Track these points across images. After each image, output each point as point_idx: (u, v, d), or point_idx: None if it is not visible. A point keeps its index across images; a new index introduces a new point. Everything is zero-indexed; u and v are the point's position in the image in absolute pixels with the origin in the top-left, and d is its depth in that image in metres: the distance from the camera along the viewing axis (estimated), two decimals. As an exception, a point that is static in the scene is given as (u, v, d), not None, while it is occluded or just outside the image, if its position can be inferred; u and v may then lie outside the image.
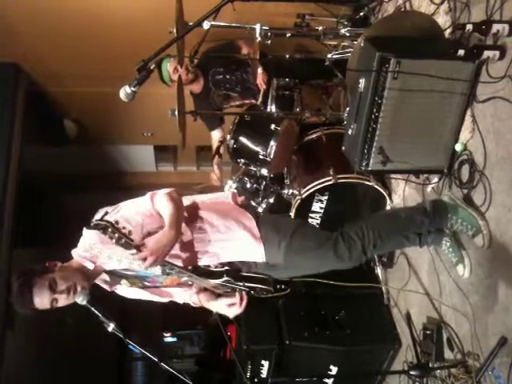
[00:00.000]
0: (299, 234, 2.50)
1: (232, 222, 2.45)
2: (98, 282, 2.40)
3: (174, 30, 3.24)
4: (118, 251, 2.20)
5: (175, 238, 2.18)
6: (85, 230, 2.30)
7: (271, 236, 2.45)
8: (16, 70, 4.80)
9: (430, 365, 3.21)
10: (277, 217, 2.68)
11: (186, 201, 2.49)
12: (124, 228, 2.06)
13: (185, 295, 2.58)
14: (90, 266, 2.29)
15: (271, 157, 3.58)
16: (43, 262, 2.26)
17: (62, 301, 2.22)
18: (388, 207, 3.76)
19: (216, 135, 4.30)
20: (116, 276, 2.39)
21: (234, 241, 2.43)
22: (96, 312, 2.18)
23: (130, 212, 2.29)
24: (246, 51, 3.97)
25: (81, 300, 2.19)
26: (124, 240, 2.03)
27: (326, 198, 3.73)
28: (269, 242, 2.44)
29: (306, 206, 3.77)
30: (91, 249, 2.27)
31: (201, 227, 2.41)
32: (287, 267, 2.56)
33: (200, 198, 2.58)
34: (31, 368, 5.27)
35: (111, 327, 2.17)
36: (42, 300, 2.18)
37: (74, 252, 2.35)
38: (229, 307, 2.48)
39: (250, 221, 2.48)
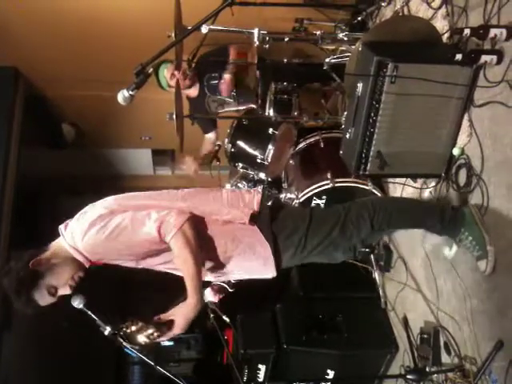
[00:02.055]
0: (312, 233, 2.39)
1: (246, 251, 2.33)
2: None
3: (173, 34, 3.24)
4: None
5: (200, 307, 2.13)
6: (85, 216, 2.23)
7: (287, 247, 2.37)
8: (14, 74, 4.79)
9: (427, 369, 3.21)
10: (288, 219, 2.43)
11: (198, 210, 2.31)
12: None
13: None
14: (85, 263, 2.26)
15: (269, 161, 3.58)
16: (27, 262, 2.15)
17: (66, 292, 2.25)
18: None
19: (210, 138, 4.30)
20: None
21: (246, 268, 2.40)
22: (93, 316, 2.17)
23: (134, 238, 2.15)
24: (233, 56, 3.96)
25: (77, 303, 2.19)
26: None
27: (323, 201, 3.73)
28: (285, 252, 2.37)
29: (303, 209, 3.77)
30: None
31: (211, 250, 2.31)
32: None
33: (214, 213, 2.33)
34: (28, 371, 5.24)
35: (107, 331, 2.16)
36: (46, 302, 2.23)
37: (64, 233, 2.26)
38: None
39: (265, 249, 2.33)
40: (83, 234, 2.16)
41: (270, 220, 2.38)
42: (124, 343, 2.07)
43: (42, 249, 2.27)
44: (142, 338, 2.07)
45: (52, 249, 2.27)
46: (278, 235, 2.36)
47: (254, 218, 2.35)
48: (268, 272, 2.39)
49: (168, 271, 2.38)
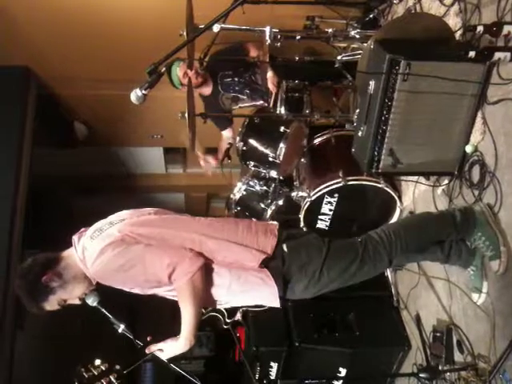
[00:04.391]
0: (327, 266, 2.31)
1: (250, 290, 2.27)
2: None
3: (185, 33, 3.25)
4: None
5: (188, 348, 2.15)
6: (99, 239, 2.23)
7: (300, 278, 2.30)
8: (26, 73, 4.83)
9: (440, 367, 3.20)
10: (302, 249, 2.34)
11: (208, 246, 2.26)
12: None
13: None
14: (92, 280, 2.27)
15: (280, 159, 3.58)
16: (39, 274, 2.18)
17: (76, 303, 2.30)
18: (398, 210, 3.76)
19: (227, 135, 4.32)
20: None
21: (249, 302, 2.37)
22: (106, 313, 2.20)
23: (143, 276, 2.16)
24: (255, 54, 3.98)
25: (91, 301, 2.23)
26: None
27: (335, 199, 3.72)
28: (296, 283, 2.30)
29: (315, 208, 3.77)
30: None
31: (216, 284, 2.26)
32: None
33: (224, 253, 2.28)
34: (40, 368, 5.29)
35: (121, 328, 2.19)
36: (54, 308, 2.26)
37: (77, 246, 2.26)
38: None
39: (271, 290, 2.25)
40: (94, 258, 2.17)
41: (282, 263, 2.29)
42: None
43: (54, 259, 2.26)
44: None
45: (65, 261, 2.27)
46: (290, 266, 2.28)
47: (265, 261, 2.27)
48: (272, 304, 2.35)
49: (174, 299, 2.31)
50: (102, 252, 2.15)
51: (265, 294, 2.27)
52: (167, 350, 2.16)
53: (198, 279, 2.11)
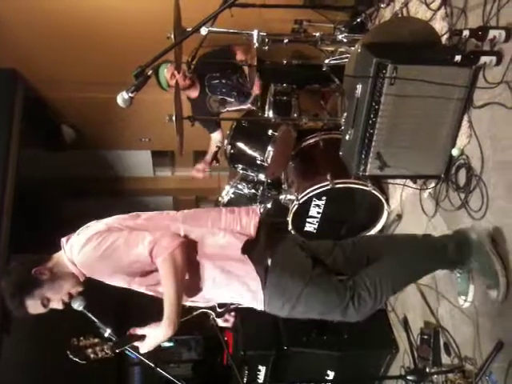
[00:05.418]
0: (305, 296, 2.27)
1: (235, 282, 2.27)
2: None
3: (172, 36, 3.24)
4: None
5: (172, 333, 2.11)
6: (82, 234, 2.25)
7: (275, 297, 2.28)
8: (13, 76, 4.80)
9: (427, 370, 3.21)
10: (286, 269, 2.30)
11: (194, 233, 2.29)
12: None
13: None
14: (80, 276, 2.27)
15: (268, 162, 3.58)
16: (29, 268, 2.18)
17: (58, 307, 2.27)
18: (385, 212, 3.77)
19: (216, 137, 4.32)
20: None
21: (234, 297, 2.36)
22: (92, 318, 2.18)
23: (126, 257, 2.16)
24: (242, 57, 3.97)
25: (77, 306, 2.20)
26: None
27: (323, 202, 3.74)
28: (272, 303, 2.30)
29: (303, 210, 3.78)
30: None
31: (200, 276, 2.27)
32: None
33: (208, 237, 2.30)
34: (28, 372, 5.24)
35: (107, 333, 2.17)
36: (36, 311, 2.23)
37: (65, 246, 2.27)
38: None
39: (254, 282, 2.25)
40: (80, 249, 2.19)
41: (264, 251, 2.30)
42: (70, 355, 2.08)
43: (44, 257, 2.28)
44: (91, 353, 2.10)
45: (54, 260, 2.27)
46: (267, 280, 2.26)
47: (248, 248, 2.27)
48: (256, 305, 2.34)
49: (158, 296, 2.30)
50: (88, 241, 2.18)
51: (248, 287, 2.27)
52: (151, 335, 2.14)
53: (178, 254, 2.12)
